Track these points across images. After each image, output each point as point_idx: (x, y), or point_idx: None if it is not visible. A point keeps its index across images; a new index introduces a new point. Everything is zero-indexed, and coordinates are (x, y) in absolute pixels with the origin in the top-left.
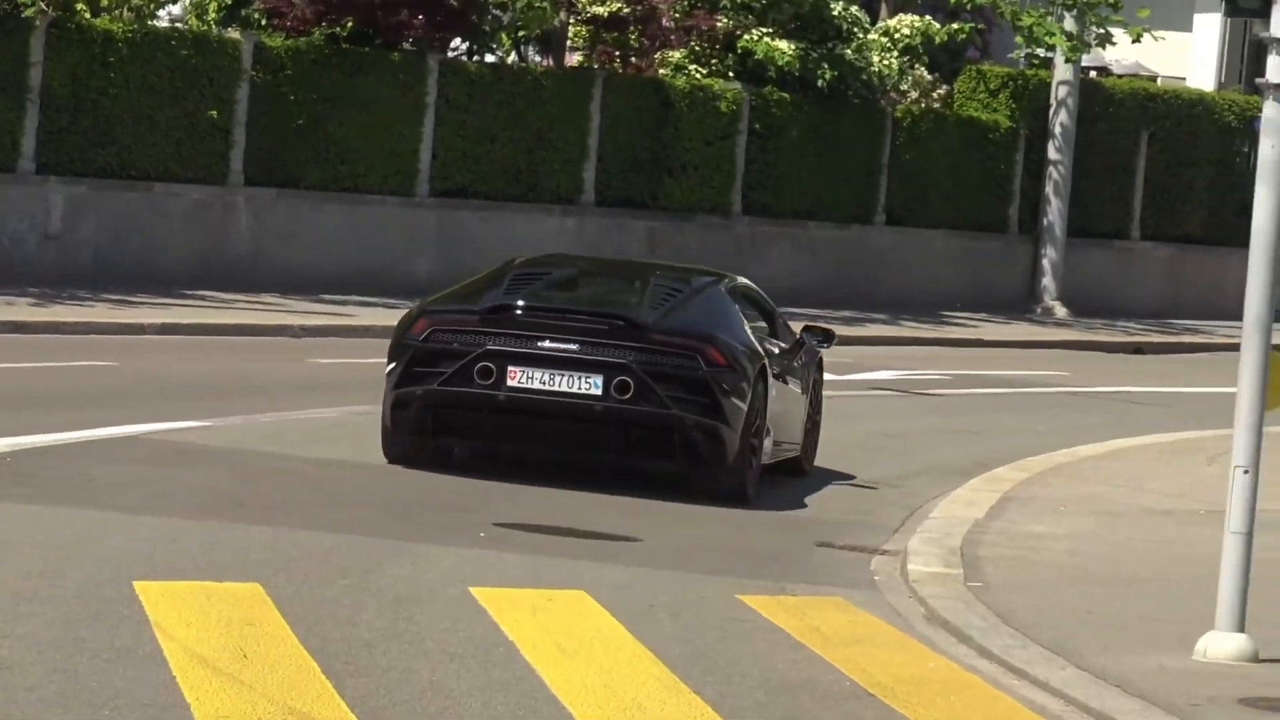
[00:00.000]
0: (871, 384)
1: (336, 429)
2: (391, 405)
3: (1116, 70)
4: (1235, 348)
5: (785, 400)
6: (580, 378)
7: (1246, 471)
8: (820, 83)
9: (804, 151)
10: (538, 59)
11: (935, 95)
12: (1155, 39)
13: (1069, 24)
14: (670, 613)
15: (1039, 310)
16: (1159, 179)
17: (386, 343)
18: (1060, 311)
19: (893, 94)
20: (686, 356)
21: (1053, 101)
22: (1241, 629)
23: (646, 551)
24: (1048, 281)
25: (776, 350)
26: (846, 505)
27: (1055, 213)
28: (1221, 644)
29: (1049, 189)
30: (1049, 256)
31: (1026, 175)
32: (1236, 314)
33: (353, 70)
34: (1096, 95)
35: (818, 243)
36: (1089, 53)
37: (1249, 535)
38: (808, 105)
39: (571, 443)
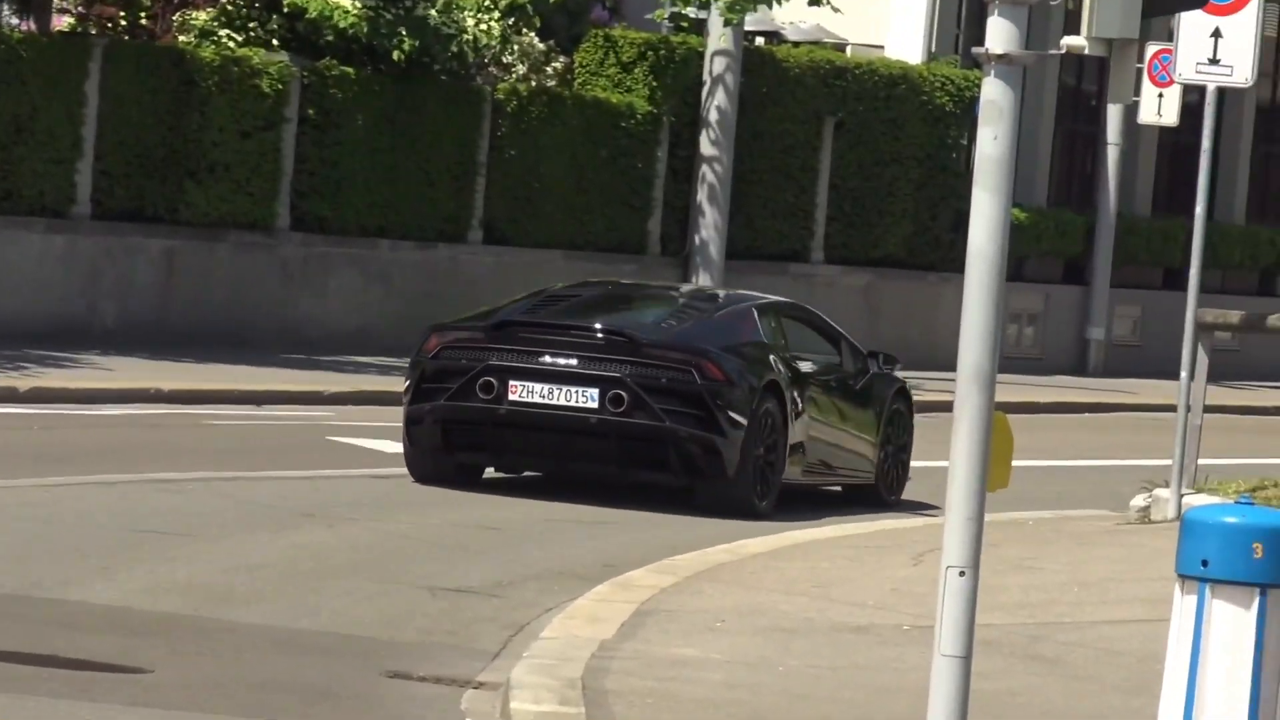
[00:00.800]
0: None
1: None
2: (405, 422)
3: (792, 36)
4: (948, 407)
5: (831, 424)
6: (577, 391)
7: (963, 574)
8: (396, 55)
9: (374, 146)
10: (15, 22)
11: (550, 70)
12: None
13: None
14: None
15: None
16: (850, 182)
17: None
18: None
19: (493, 68)
20: (682, 370)
21: (707, 78)
22: None
23: (158, 686)
24: None
25: (813, 371)
26: (429, 621)
27: (710, 227)
28: None
29: (702, 196)
30: None
31: (672, 177)
32: (950, 362)
33: None
34: (766, 70)
35: (392, 268)
36: (754, 11)
37: (967, 659)
38: (379, 84)
39: (571, 456)
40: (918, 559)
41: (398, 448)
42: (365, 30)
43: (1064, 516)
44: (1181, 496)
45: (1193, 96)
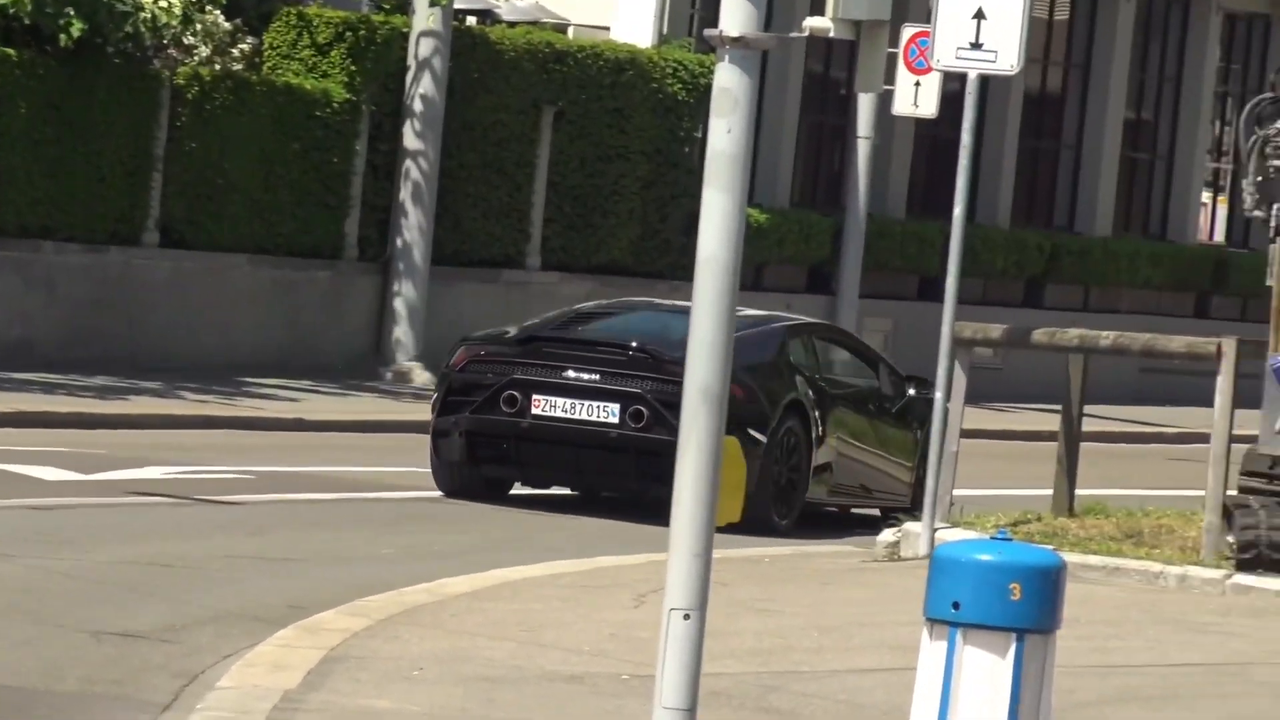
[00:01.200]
0: (134, 486)
1: None
2: (432, 434)
3: (507, 16)
4: None
5: (862, 446)
6: (598, 406)
7: (688, 617)
8: (64, 39)
9: (37, 138)
10: None
11: (237, 52)
12: None
13: None
14: None
15: (389, 374)
16: (571, 179)
17: None
18: (421, 376)
19: (173, 50)
20: None
21: (411, 63)
22: None
23: None
24: (402, 333)
25: (844, 393)
26: (91, 669)
27: (414, 229)
28: None
29: (405, 194)
30: (404, 295)
31: (372, 173)
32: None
33: None
34: (477, 53)
35: (57, 273)
36: None
37: (691, 711)
38: (44, 68)
39: (592, 470)
40: (639, 600)
41: (61, 475)
42: (29, 8)
43: (804, 553)
44: (934, 531)
45: (953, 85)
